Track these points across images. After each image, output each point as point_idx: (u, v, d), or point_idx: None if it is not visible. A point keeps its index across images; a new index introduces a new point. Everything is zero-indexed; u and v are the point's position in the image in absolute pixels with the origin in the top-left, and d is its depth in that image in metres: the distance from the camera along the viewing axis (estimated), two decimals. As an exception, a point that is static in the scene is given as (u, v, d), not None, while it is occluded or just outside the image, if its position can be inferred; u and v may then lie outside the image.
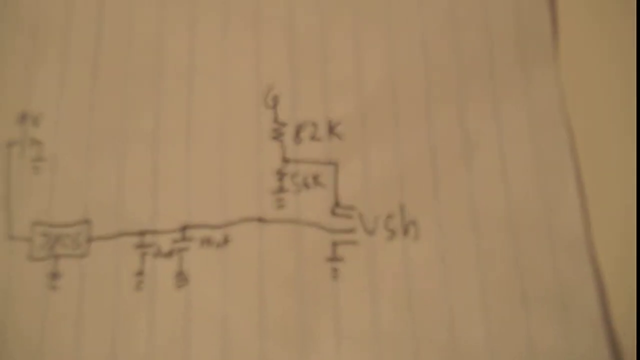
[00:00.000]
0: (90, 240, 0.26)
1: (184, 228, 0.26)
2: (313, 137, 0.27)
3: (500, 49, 0.27)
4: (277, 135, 0.27)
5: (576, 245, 0.25)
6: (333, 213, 0.26)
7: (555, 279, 0.24)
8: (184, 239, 0.26)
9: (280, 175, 0.26)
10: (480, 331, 0.24)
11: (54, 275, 0.26)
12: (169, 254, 0.26)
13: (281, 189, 0.26)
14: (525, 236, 0.25)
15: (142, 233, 0.26)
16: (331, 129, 0.27)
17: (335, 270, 0.25)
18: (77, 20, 0.29)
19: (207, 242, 0.26)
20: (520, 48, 0.27)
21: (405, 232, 0.26)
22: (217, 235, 0.26)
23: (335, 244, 0.25)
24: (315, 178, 0.26)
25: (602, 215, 0.25)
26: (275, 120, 0.27)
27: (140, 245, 0.26)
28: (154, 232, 0.26)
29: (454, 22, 0.28)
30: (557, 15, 0.28)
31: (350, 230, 0.26)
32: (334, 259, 0.25)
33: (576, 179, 0.26)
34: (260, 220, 0.26)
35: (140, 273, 0.25)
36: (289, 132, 0.27)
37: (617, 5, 0.27)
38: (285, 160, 0.26)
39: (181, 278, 0.25)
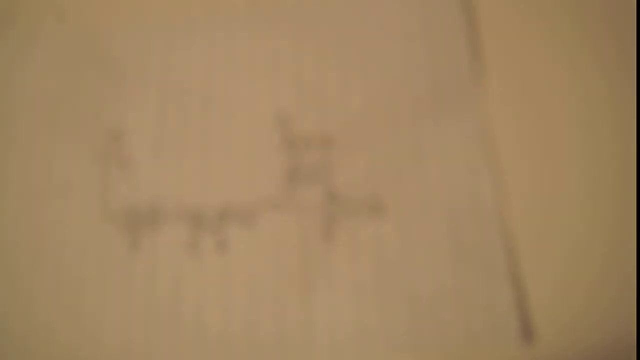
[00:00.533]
0: (157, 220, 0.35)
1: (222, 214, 0.35)
2: (312, 144, 0.36)
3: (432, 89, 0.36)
4: (285, 143, 0.36)
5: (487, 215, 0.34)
6: (328, 201, 0.35)
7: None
8: (222, 221, 0.35)
9: (288, 172, 0.35)
10: (429, 283, 0.33)
11: (134, 246, 0.35)
12: (212, 232, 0.35)
13: (289, 184, 0.35)
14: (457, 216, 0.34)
15: (193, 217, 0.35)
16: (326, 139, 0.36)
17: (330, 243, 0.34)
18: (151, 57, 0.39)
19: (239, 223, 0.35)
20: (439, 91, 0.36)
21: (381, 216, 0.34)
22: (246, 218, 0.35)
23: (330, 224, 0.34)
24: (314, 175, 0.35)
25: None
26: (284, 131, 0.36)
27: (192, 225, 0.35)
28: (202, 216, 0.35)
29: (401, 69, 0.37)
30: (480, 58, 0.36)
31: (341, 214, 0.34)
32: (329, 234, 0.34)
33: (491, 177, 0.34)
34: (275, 208, 0.35)
35: (191, 245, 0.34)
36: (294, 140, 0.36)
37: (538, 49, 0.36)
38: (291, 162, 0.35)
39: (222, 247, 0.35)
